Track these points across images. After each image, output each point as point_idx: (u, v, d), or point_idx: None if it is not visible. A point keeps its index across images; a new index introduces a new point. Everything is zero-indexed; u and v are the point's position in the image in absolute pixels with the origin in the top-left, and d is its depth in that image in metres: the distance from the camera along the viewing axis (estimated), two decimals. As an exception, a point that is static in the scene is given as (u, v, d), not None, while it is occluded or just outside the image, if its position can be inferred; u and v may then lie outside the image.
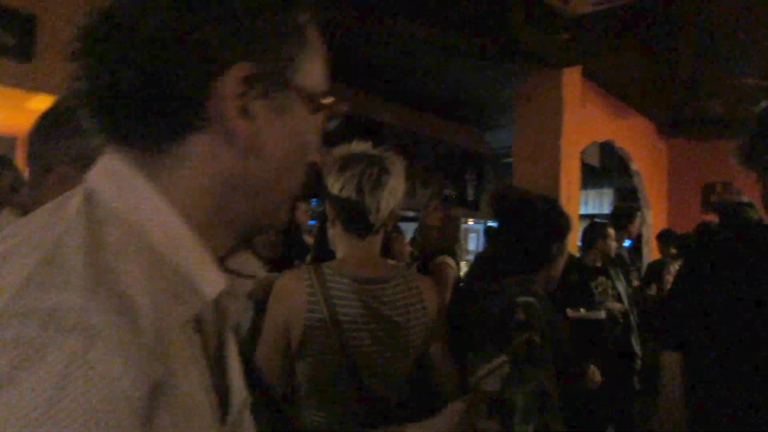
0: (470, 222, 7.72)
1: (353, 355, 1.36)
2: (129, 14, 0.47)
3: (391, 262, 1.58)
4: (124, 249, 0.43)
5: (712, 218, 4.26)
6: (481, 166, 7.38)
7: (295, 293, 1.38)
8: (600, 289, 3.62)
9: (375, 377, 1.40)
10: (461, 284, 3.02)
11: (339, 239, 1.48)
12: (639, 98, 5.58)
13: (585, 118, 4.77)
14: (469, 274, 3.64)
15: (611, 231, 3.78)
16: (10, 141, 4.61)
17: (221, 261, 0.54)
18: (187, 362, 0.46)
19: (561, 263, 1.71)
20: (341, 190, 1.41)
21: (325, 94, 0.56)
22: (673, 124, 6.16)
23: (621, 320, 3.53)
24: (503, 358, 1.08)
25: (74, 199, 0.47)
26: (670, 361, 1.64)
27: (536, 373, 1.42)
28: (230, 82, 0.48)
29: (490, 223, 7.26)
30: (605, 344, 3.22)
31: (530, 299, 1.53)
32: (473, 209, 7.28)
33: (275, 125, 0.52)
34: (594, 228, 3.81)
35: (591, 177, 8.10)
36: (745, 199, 3.52)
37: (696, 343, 1.52)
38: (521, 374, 1.43)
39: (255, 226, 0.56)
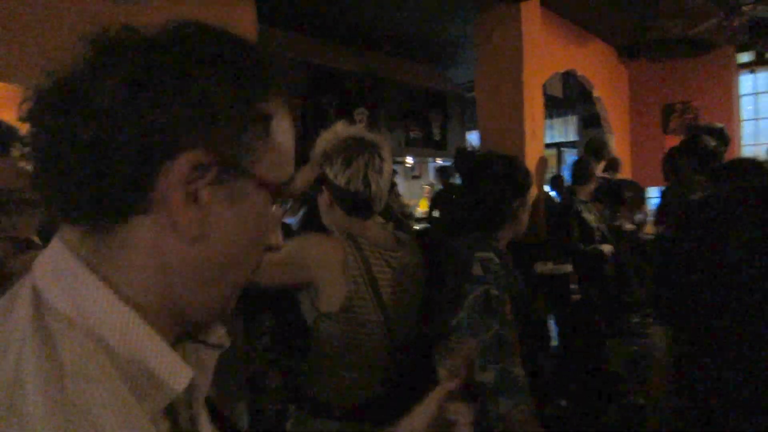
0: (438, 161, 7.71)
1: (388, 311, 1.50)
2: (84, 84, 0.44)
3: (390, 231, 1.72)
4: (84, 370, 0.42)
5: (674, 141, 4.33)
6: (444, 104, 7.31)
7: (332, 253, 1.47)
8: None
9: (402, 333, 1.54)
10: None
11: (340, 220, 1.55)
12: (598, 23, 5.52)
13: (546, 50, 4.71)
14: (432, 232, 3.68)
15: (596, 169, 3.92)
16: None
17: (187, 336, 0.52)
18: None
19: (525, 218, 1.74)
20: (348, 183, 1.47)
21: (285, 183, 0.54)
22: (632, 47, 6.14)
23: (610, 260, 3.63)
24: (472, 343, 1.11)
25: (22, 304, 0.45)
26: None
27: (492, 323, 1.48)
28: (180, 169, 0.46)
29: (441, 163, 7.27)
30: (569, 297, 3.34)
31: (488, 254, 1.59)
32: (440, 149, 7.27)
33: (226, 212, 0.50)
34: (585, 166, 3.89)
35: (555, 105, 8.11)
36: (708, 124, 3.59)
37: (686, 317, 1.59)
38: (478, 324, 1.49)
39: (204, 317, 0.54)
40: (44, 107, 0.45)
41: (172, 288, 0.49)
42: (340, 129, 1.53)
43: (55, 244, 0.48)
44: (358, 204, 1.50)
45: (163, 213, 0.47)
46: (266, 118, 0.51)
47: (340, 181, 1.48)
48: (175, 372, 0.47)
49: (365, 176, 1.47)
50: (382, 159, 1.50)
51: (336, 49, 5.79)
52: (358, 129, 1.53)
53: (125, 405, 0.42)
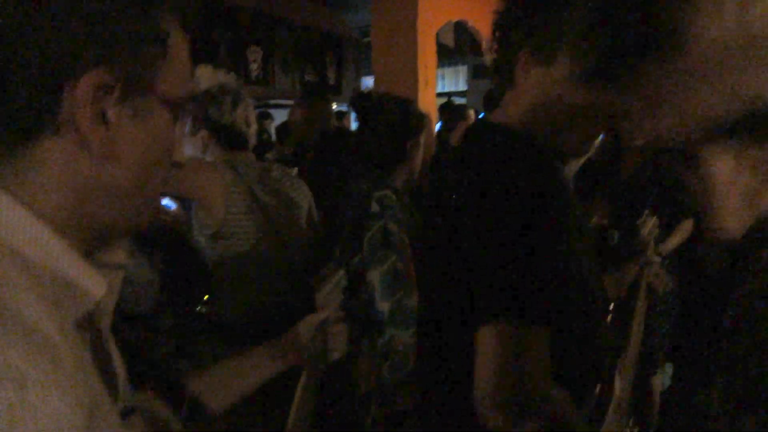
0: (333, 106, 7.67)
1: (277, 234, 1.66)
2: None
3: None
4: (7, 276, 0.43)
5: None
6: (341, 48, 7.22)
7: (213, 180, 1.61)
8: None
9: (296, 255, 1.69)
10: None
11: (220, 157, 1.73)
12: (490, -25, 5.65)
13: (440, -2, 4.78)
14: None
15: (471, 113, 3.99)
16: None
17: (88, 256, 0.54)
18: (85, 360, 0.48)
19: (418, 159, 1.85)
20: (233, 124, 1.72)
21: (185, 98, 0.56)
22: None
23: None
24: (341, 273, 1.19)
25: None
26: None
27: (390, 256, 1.61)
28: (84, 88, 0.47)
29: (337, 108, 7.28)
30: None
31: (385, 192, 1.70)
32: (335, 93, 7.22)
33: (134, 130, 0.52)
34: (454, 110, 3.98)
35: (446, 55, 8.28)
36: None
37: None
38: (378, 257, 1.61)
39: (115, 229, 0.56)
40: None
41: (83, 205, 0.51)
42: (210, 72, 1.75)
43: None
44: (240, 140, 1.74)
45: (72, 133, 0.48)
46: (163, 35, 0.52)
47: (227, 120, 1.69)
48: (92, 281, 0.50)
49: (246, 118, 1.75)
50: (249, 102, 1.79)
51: (226, -18, 5.48)
52: (225, 75, 1.79)
53: (49, 307, 0.44)
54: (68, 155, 0.49)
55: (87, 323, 0.55)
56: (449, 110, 4.18)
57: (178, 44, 0.55)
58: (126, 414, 0.60)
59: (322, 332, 1.06)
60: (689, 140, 0.35)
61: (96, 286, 0.51)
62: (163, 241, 1.41)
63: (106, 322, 0.59)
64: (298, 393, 1.05)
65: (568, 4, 0.84)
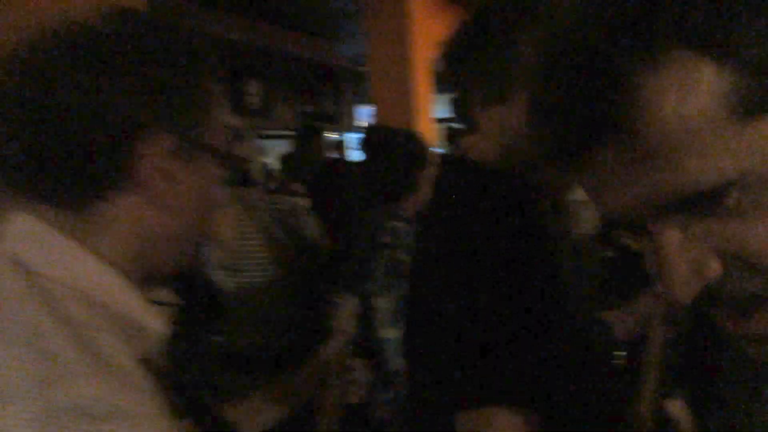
0: (333, 135, 7.78)
1: (292, 263, 1.72)
2: (49, 79, 0.49)
3: None
4: (92, 321, 0.48)
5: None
6: (337, 78, 7.35)
7: (225, 216, 1.65)
8: None
9: (306, 284, 1.74)
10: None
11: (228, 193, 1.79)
12: None
13: (434, 26, 4.90)
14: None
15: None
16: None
17: None
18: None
19: (426, 189, 1.91)
20: (243, 160, 1.79)
21: (226, 146, 0.63)
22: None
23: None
24: (355, 300, 1.23)
25: (6, 274, 0.49)
26: None
27: (398, 286, 1.66)
28: (155, 151, 0.53)
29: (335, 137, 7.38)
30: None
31: (398, 223, 1.74)
32: (333, 122, 7.32)
33: (192, 183, 0.58)
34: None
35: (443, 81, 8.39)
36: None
37: None
38: (387, 286, 1.66)
39: (164, 270, 0.62)
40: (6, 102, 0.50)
41: (144, 251, 0.57)
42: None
43: (26, 218, 0.52)
44: (246, 176, 1.87)
45: (141, 190, 0.54)
46: (208, 96, 0.58)
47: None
48: (154, 319, 0.56)
49: (250, 153, 1.93)
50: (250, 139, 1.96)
51: (222, 17, 5.61)
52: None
53: (122, 344, 0.49)
54: (137, 209, 0.55)
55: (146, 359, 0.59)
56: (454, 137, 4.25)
57: (216, 98, 0.61)
58: None
59: (341, 362, 1.08)
60: (639, 216, 0.38)
61: (157, 323, 0.56)
62: (179, 274, 1.45)
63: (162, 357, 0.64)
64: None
65: (512, 44, 0.77)
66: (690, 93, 0.34)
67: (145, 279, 0.59)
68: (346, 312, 1.15)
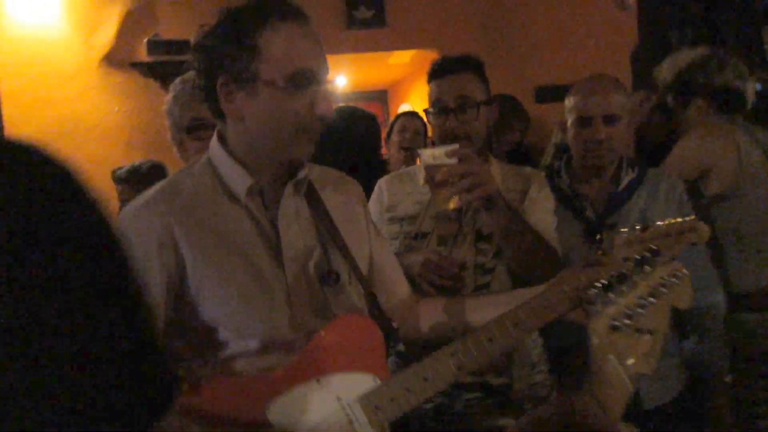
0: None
1: None
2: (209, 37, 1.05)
3: None
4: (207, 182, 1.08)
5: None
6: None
7: (727, 143, 1.93)
8: None
9: None
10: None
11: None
12: None
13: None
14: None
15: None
16: (381, 93, 6.38)
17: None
18: (240, 217, 1.05)
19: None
20: (725, 84, 2.01)
21: (292, 74, 0.99)
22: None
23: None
24: None
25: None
26: None
27: None
28: (219, 86, 1.00)
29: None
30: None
31: None
32: None
33: (251, 104, 1.00)
34: None
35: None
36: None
37: None
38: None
39: (281, 159, 1.07)
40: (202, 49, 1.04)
41: (247, 145, 1.05)
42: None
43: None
44: (737, 101, 2.02)
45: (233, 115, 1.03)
46: (258, 43, 0.97)
47: (718, 83, 2.00)
48: (240, 180, 1.05)
49: (740, 75, 2.00)
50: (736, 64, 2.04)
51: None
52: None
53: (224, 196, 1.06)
54: (232, 122, 1.04)
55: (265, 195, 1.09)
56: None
57: (276, 44, 0.98)
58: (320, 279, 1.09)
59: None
60: None
61: (240, 183, 1.05)
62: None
63: (283, 213, 1.08)
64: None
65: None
66: None
67: (270, 166, 1.06)
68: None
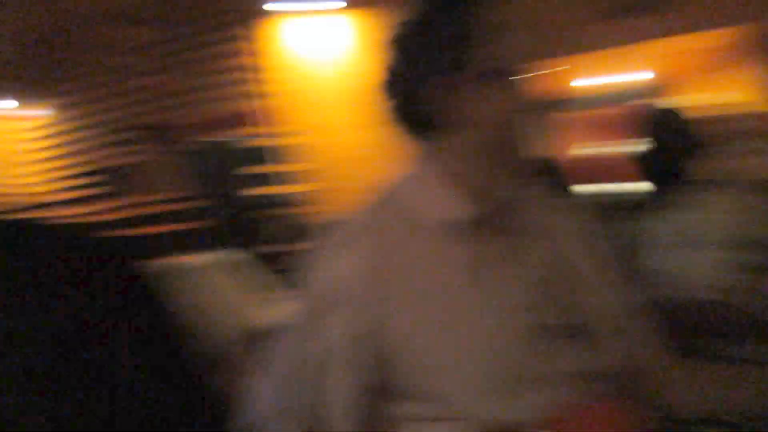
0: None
1: None
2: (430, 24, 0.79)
3: None
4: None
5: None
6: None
7: None
8: None
9: None
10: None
11: None
12: None
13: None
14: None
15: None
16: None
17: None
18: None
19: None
20: None
21: (510, 69, 0.78)
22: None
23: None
24: None
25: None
26: None
27: None
28: (467, 84, 0.76)
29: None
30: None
31: None
32: None
33: (481, 99, 0.77)
34: None
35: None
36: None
37: None
38: None
39: (507, 163, 0.81)
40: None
41: (479, 159, 0.80)
42: None
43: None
44: None
45: (460, 117, 0.78)
46: (466, 37, 0.76)
47: None
48: (449, 207, 0.80)
49: None
50: None
51: None
52: None
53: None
54: (463, 132, 0.79)
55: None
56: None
57: (501, 35, 0.77)
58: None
59: None
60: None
61: (456, 211, 0.80)
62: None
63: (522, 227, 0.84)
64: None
65: None
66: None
67: (496, 172, 0.81)
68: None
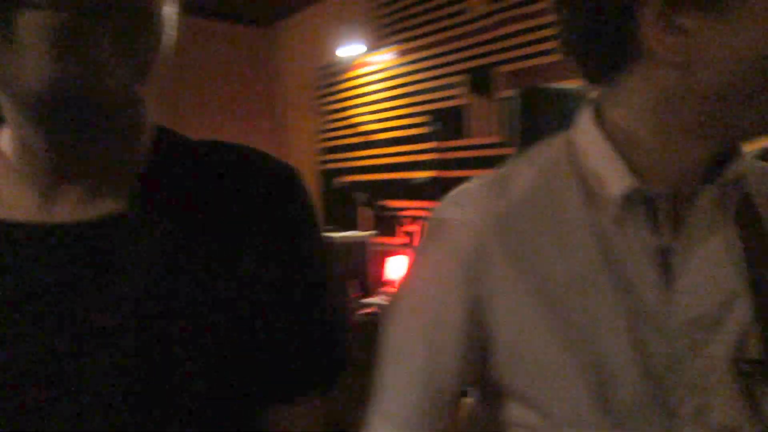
0: None
1: None
2: None
3: None
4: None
5: None
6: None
7: None
8: None
9: None
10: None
11: None
12: None
13: None
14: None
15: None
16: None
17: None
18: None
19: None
20: None
21: None
22: None
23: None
24: None
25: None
26: None
27: None
28: (651, 7, 0.49)
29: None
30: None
31: None
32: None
33: (716, 33, 0.48)
34: None
35: None
36: None
37: None
38: None
39: (719, 133, 0.54)
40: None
41: (672, 117, 0.53)
42: None
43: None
44: None
45: (650, 51, 0.51)
46: None
47: None
48: (615, 178, 0.56)
49: None
50: None
51: None
52: None
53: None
54: (648, 73, 0.53)
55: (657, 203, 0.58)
56: None
57: None
58: None
59: None
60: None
61: (616, 184, 0.57)
62: None
63: (696, 213, 0.59)
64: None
65: None
66: None
67: (701, 145, 0.55)
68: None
